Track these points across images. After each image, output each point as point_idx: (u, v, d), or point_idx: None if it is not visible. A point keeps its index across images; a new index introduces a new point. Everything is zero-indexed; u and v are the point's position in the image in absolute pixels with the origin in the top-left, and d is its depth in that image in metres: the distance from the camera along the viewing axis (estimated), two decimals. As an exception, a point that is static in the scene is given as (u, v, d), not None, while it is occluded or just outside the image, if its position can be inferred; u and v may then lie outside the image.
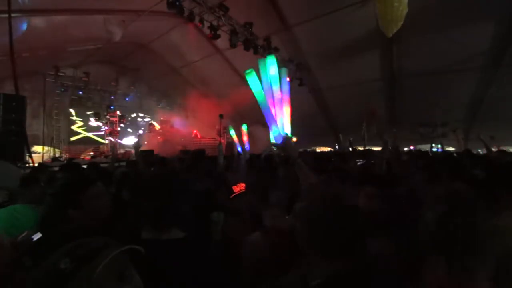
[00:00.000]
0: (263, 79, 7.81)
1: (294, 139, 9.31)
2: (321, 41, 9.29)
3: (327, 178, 2.06)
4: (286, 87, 8.55)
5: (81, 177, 2.01)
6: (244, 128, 11.04)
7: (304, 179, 1.34)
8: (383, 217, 1.14)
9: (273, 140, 7.60)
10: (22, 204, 1.54)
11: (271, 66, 7.65)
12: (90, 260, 0.55)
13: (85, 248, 0.57)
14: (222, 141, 11.27)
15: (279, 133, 7.53)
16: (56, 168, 3.61)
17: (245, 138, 10.87)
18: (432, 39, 7.89)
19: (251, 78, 7.31)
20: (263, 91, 7.60)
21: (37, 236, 1.25)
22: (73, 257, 0.54)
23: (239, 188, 1.77)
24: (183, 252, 0.98)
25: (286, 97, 8.38)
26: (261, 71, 7.70)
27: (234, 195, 1.75)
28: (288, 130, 8.26)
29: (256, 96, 7.38)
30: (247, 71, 7.34)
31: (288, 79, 10.04)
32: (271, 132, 7.66)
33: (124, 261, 0.61)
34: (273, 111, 7.76)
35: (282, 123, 8.02)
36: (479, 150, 6.84)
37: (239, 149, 9.17)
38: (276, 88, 7.84)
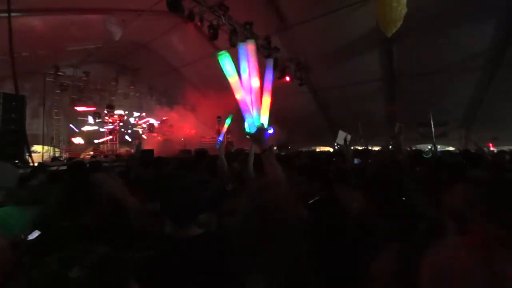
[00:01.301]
0: (242, 65, 7.04)
1: (270, 131, 8.89)
2: (321, 41, 9.29)
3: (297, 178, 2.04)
4: (269, 77, 7.85)
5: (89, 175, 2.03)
6: (228, 121, 10.46)
7: (270, 173, 1.28)
8: (375, 225, 1.13)
9: (247, 130, 7.37)
10: (14, 206, 1.54)
11: (250, 53, 6.89)
12: (103, 267, 0.54)
13: (94, 256, 0.56)
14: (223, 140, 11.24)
15: (254, 123, 7.34)
16: (56, 168, 3.61)
17: (224, 129, 10.40)
18: (432, 39, 7.89)
19: (224, 61, 6.79)
20: (240, 78, 7.03)
21: (34, 235, 1.25)
22: (83, 266, 0.53)
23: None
24: (204, 247, 1.04)
25: (268, 87, 7.73)
26: (240, 57, 6.99)
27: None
28: (264, 120, 7.76)
29: (229, 81, 6.97)
30: (220, 53, 6.82)
31: (288, 78, 10.08)
32: (245, 121, 7.40)
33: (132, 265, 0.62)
34: (248, 99, 7.41)
35: (258, 113, 7.47)
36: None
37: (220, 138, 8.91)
38: (255, 76, 7.15)
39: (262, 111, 7.83)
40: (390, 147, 2.66)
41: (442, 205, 1.21)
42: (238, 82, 7.24)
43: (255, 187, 1.21)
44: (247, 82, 7.31)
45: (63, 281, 0.50)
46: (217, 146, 2.89)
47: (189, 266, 0.98)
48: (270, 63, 8.29)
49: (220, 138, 9.43)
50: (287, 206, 1.03)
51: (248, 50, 7.20)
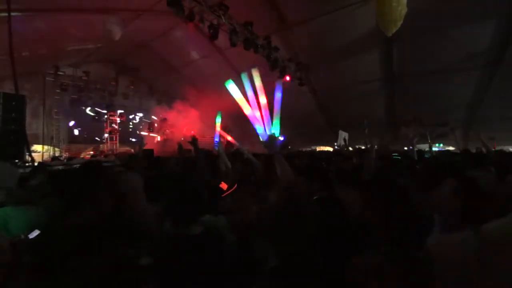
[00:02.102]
0: (247, 90, 8.57)
1: (281, 138, 10.08)
2: (321, 41, 9.28)
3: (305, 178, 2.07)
4: (278, 98, 9.24)
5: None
6: (218, 119, 10.65)
7: (283, 175, 1.42)
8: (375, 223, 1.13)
9: (260, 138, 8.45)
10: (14, 207, 1.54)
11: (256, 79, 8.47)
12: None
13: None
14: (222, 140, 11.25)
15: (265, 132, 8.45)
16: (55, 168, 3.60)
17: (217, 129, 10.57)
18: (432, 39, 7.89)
19: (231, 87, 8.41)
20: (248, 98, 8.53)
21: (33, 234, 1.25)
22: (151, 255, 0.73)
23: (225, 186, 1.81)
24: (202, 246, 1.07)
25: (277, 106, 9.19)
26: (245, 84, 8.59)
27: (226, 194, 1.77)
28: (275, 130, 8.97)
29: (238, 102, 8.45)
30: (227, 82, 8.53)
31: (288, 77, 10.08)
32: (258, 131, 8.53)
33: None
34: (258, 114, 8.72)
35: (269, 125, 8.80)
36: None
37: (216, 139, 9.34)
38: (262, 95, 8.62)
39: (274, 124, 9.06)
40: (376, 146, 2.65)
41: (430, 202, 1.23)
42: (246, 102, 8.47)
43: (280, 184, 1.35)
44: (254, 101, 8.46)
45: (137, 268, 0.68)
46: (216, 148, 2.94)
47: (190, 264, 0.99)
48: (279, 85, 9.27)
49: (217, 139, 9.84)
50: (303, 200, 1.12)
51: (252, 77, 8.49)
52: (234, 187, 1.84)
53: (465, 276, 0.93)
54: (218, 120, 10.45)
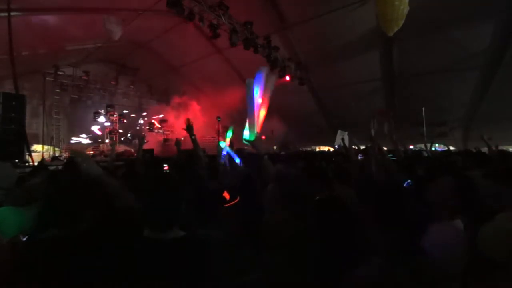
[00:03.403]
0: (255, 89, 9.19)
1: (263, 137, 10.97)
2: (321, 40, 9.28)
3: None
4: (267, 94, 9.85)
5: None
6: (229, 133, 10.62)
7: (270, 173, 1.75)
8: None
9: (246, 138, 8.94)
10: (11, 207, 1.53)
11: (258, 82, 9.22)
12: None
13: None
14: (221, 140, 11.20)
15: (251, 133, 9.01)
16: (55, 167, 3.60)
17: (227, 143, 10.69)
18: (432, 39, 7.88)
19: (249, 88, 9.07)
20: (253, 98, 9.13)
21: (31, 235, 1.25)
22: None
23: (229, 196, 1.77)
24: (182, 251, 0.99)
25: (266, 100, 9.84)
26: (255, 82, 9.25)
27: (228, 205, 1.75)
28: (259, 130, 9.64)
29: (248, 103, 9.03)
30: (247, 82, 9.17)
31: (288, 77, 10.09)
32: (245, 131, 8.99)
33: None
34: (256, 114, 9.27)
35: (256, 123, 9.42)
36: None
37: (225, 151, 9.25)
38: (257, 96, 9.33)
39: (258, 123, 9.62)
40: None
41: (430, 196, 1.26)
42: (253, 102, 9.00)
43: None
44: (257, 102, 9.15)
45: None
46: (222, 161, 2.90)
47: (168, 270, 0.94)
48: (260, 74, 9.69)
49: (225, 152, 9.59)
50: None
51: (263, 76, 9.12)
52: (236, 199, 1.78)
53: (454, 268, 0.93)
54: (229, 135, 10.24)
